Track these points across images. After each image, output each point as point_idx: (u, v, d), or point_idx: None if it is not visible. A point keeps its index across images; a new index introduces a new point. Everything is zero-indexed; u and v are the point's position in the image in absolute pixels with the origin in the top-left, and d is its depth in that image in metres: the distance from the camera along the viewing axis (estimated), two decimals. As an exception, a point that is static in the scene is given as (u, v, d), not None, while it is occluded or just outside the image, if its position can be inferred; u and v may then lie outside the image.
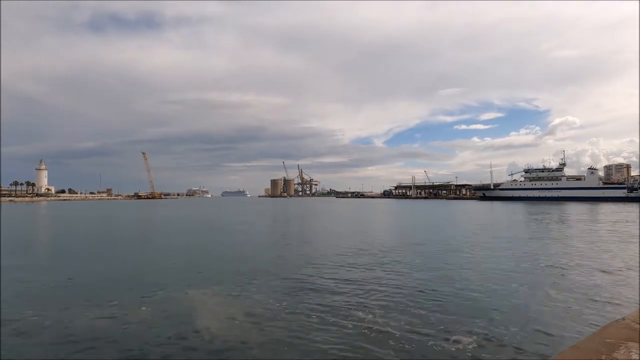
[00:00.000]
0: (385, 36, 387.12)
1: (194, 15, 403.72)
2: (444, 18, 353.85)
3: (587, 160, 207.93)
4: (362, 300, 9.69)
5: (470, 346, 6.82)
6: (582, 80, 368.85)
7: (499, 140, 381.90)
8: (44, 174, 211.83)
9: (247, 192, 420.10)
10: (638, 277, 11.85)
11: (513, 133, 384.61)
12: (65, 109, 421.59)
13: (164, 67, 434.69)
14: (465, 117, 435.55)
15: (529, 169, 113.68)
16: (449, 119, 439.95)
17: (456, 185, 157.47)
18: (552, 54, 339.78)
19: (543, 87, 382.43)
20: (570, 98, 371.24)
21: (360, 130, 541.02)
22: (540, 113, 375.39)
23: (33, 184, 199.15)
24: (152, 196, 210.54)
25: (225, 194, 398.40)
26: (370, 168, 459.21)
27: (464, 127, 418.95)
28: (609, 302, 9.34)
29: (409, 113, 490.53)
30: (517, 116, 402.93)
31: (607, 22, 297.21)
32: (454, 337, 7.18)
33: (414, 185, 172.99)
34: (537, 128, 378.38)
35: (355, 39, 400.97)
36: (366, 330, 7.54)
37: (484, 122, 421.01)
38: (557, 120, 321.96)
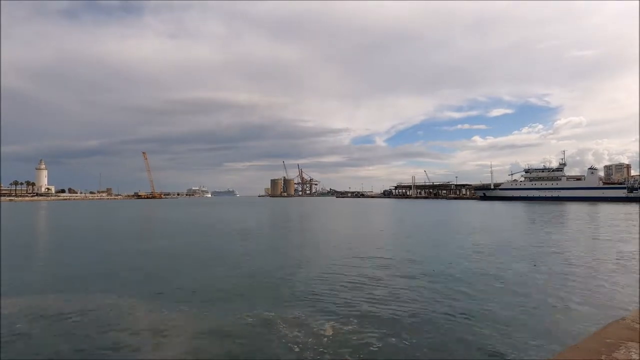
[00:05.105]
0: (389, 25, 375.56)
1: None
2: (452, 4, 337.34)
3: (590, 160, 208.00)
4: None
5: (469, 346, 6.84)
6: (595, 75, 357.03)
7: (501, 140, 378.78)
8: (44, 173, 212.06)
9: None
10: (638, 278, 11.86)
11: (515, 132, 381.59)
12: (58, 106, 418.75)
13: (156, 61, 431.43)
14: (474, 113, 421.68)
15: (529, 169, 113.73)
16: (456, 115, 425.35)
17: (456, 185, 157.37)
18: (565, 46, 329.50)
19: (556, 81, 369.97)
20: (582, 94, 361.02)
21: (362, 129, 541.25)
22: (551, 109, 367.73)
23: (33, 184, 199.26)
24: (152, 196, 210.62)
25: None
26: (370, 167, 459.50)
27: (467, 126, 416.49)
28: (608, 303, 9.36)
29: (413, 109, 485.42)
30: (527, 113, 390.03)
31: (625, 13, 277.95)
32: (454, 337, 7.21)
33: (414, 185, 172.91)
34: (540, 126, 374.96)
35: (357, 30, 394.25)
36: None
37: (492, 120, 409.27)
38: (562, 120, 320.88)
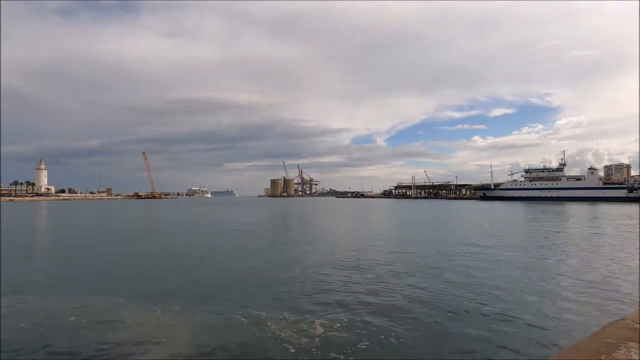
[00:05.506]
0: (390, 25, 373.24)
1: None
2: (452, 3, 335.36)
3: (590, 160, 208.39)
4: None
5: (469, 346, 6.83)
6: (596, 75, 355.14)
7: (501, 140, 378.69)
8: (44, 173, 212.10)
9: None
10: (638, 278, 11.85)
11: (515, 132, 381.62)
12: (58, 106, 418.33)
13: (155, 61, 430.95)
14: (474, 113, 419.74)
15: (529, 169, 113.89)
16: (456, 115, 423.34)
17: (456, 185, 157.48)
18: (565, 46, 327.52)
19: (556, 81, 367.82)
20: (583, 94, 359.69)
21: (362, 129, 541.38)
22: (552, 109, 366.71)
23: (33, 184, 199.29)
24: (152, 196, 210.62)
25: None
26: (370, 167, 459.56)
27: (467, 126, 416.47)
28: (608, 303, 9.34)
29: (414, 109, 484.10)
30: (527, 112, 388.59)
31: (625, 13, 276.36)
32: (453, 337, 7.20)
33: (414, 185, 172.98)
34: (540, 126, 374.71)
35: (357, 29, 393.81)
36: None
37: (492, 120, 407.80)
38: (562, 120, 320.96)
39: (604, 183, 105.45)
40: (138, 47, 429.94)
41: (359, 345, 6.79)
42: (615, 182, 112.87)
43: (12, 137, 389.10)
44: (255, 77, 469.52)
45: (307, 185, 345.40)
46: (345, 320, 8.10)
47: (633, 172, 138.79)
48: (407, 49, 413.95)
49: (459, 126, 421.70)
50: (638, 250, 17.08)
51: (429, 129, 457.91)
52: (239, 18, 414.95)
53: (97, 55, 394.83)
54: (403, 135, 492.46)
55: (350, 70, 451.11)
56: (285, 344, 6.85)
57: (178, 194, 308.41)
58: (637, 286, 10.81)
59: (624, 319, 4.01)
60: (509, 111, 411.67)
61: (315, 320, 7.97)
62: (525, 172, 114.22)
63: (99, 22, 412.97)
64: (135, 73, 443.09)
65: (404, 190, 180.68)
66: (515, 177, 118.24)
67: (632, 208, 59.10)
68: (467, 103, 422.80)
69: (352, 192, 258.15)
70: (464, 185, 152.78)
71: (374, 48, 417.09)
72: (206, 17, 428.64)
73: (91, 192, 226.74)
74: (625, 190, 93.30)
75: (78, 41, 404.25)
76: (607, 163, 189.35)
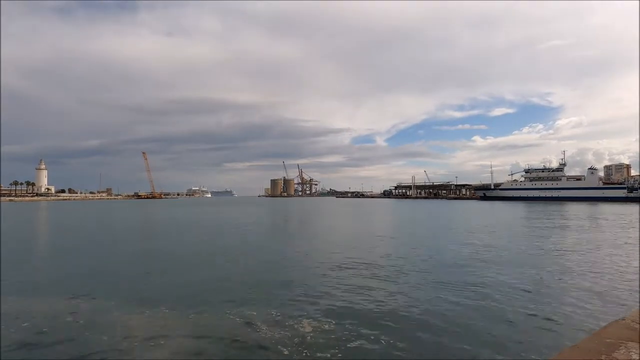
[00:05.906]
0: (390, 24, 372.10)
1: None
2: (454, 2, 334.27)
3: (590, 159, 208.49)
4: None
5: (466, 346, 6.81)
6: (597, 74, 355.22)
7: (502, 140, 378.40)
8: (44, 173, 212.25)
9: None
10: (638, 278, 11.84)
11: (516, 132, 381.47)
12: (58, 106, 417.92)
13: (154, 60, 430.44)
14: (475, 112, 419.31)
15: (529, 169, 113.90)
16: (457, 114, 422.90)
17: (456, 185, 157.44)
18: (567, 45, 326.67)
19: (557, 80, 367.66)
20: (584, 93, 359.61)
21: (362, 129, 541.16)
22: (553, 109, 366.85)
23: (33, 184, 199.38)
24: (152, 196, 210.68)
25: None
26: (370, 167, 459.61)
27: (467, 126, 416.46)
28: (609, 302, 9.33)
29: (415, 108, 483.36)
30: (528, 112, 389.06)
31: (627, 12, 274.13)
32: (450, 337, 7.18)
33: (414, 185, 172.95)
34: (541, 126, 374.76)
35: (358, 28, 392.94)
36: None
37: (492, 120, 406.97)
38: (563, 120, 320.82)
39: (604, 183, 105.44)
40: (136, 46, 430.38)
41: (348, 345, 6.78)
42: (616, 182, 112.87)
43: (12, 137, 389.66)
44: (255, 76, 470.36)
45: (307, 185, 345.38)
46: (339, 320, 8.06)
47: (633, 172, 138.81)
48: (408, 48, 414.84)
49: (460, 126, 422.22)
50: (638, 251, 17.07)
51: (429, 129, 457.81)
52: (237, 17, 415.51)
53: (96, 55, 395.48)
54: (403, 135, 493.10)
55: (351, 69, 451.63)
56: (278, 344, 6.85)
57: (178, 194, 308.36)
58: (637, 286, 10.80)
59: (624, 319, 4.00)
60: (509, 111, 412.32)
61: (304, 320, 7.96)
62: (526, 172, 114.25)
63: (97, 21, 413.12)
64: (135, 73, 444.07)
65: (404, 190, 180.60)
66: (516, 177, 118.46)
67: (632, 208, 59.08)
68: (468, 102, 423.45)
69: (352, 192, 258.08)
70: (464, 185, 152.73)
71: (374, 47, 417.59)
72: (204, 15, 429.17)
73: (91, 192, 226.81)
74: (625, 190, 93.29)
75: (76, 40, 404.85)
76: (608, 163, 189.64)
